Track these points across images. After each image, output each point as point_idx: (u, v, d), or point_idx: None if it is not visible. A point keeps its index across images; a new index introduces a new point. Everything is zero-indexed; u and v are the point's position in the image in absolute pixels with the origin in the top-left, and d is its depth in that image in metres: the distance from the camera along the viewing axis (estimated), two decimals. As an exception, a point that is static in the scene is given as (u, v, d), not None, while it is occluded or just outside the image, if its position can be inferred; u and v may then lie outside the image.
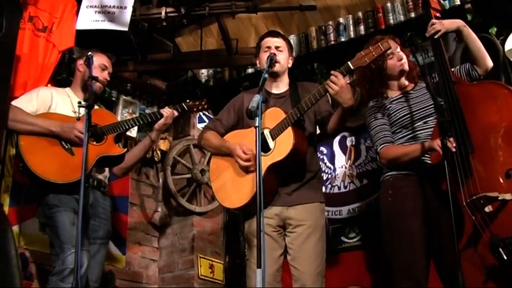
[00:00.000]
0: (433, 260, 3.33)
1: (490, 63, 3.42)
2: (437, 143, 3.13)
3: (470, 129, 3.13)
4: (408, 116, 3.49)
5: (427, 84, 3.41)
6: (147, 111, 5.56)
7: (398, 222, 3.38)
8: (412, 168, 3.40)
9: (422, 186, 3.37)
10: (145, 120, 4.02)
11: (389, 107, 3.57)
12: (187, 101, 4.06)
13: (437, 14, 3.54)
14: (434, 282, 3.39)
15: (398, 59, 3.57)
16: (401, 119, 3.51)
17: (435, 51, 3.42)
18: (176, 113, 4.01)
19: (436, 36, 3.42)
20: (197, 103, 4.05)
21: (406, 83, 3.62)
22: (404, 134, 3.49)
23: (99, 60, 3.99)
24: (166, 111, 3.96)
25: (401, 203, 3.39)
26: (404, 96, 3.57)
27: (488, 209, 2.96)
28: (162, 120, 3.95)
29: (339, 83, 3.23)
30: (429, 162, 3.33)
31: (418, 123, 3.46)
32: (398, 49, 3.59)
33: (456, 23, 3.45)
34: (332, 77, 3.25)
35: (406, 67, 3.58)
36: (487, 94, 3.21)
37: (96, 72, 3.87)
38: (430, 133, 3.36)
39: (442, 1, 3.61)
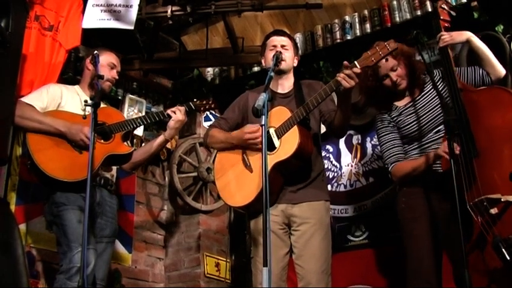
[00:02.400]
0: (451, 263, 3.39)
1: (501, 72, 3.48)
2: (442, 150, 3.18)
3: (475, 134, 3.18)
4: (419, 129, 3.54)
5: (434, 84, 3.43)
6: (153, 109, 5.58)
7: (408, 226, 3.48)
8: (425, 177, 3.45)
9: (434, 191, 3.42)
10: (153, 119, 4.01)
11: (399, 120, 3.62)
12: (195, 100, 4.06)
13: (446, 25, 3.57)
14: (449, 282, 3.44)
15: (391, 81, 3.60)
16: (412, 133, 3.57)
17: (443, 61, 3.45)
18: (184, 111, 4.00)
19: (442, 44, 3.45)
20: (204, 102, 4.05)
21: (413, 90, 3.65)
22: (416, 146, 3.56)
23: (108, 58, 4.00)
24: (179, 108, 3.94)
25: (412, 208, 3.48)
26: (412, 105, 3.61)
27: (494, 210, 3.00)
28: (175, 117, 3.91)
29: (355, 79, 3.22)
30: (440, 170, 3.36)
31: (429, 134, 3.52)
32: (394, 64, 3.58)
33: (465, 34, 3.50)
34: (349, 71, 3.21)
35: (403, 86, 3.61)
36: (491, 99, 3.25)
37: (104, 71, 3.87)
38: (441, 142, 3.40)
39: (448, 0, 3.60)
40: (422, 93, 3.60)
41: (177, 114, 3.92)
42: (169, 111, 3.95)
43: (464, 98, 3.28)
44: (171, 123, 3.94)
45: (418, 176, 3.46)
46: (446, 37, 3.45)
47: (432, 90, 3.54)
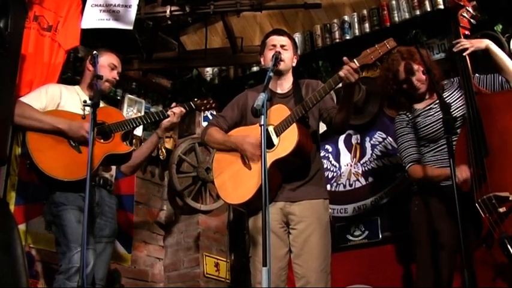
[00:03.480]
0: None
1: None
2: (461, 176, 3.21)
3: (488, 135, 3.22)
4: (435, 131, 3.58)
5: (433, 83, 3.45)
6: (152, 109, 5.58)
7: (417, 231, 3.55)
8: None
9: (446, 195, 3.42)
10: (153, 119, 4.01)
11: (417, 121, 3.66)
12: (195, 99, 4.08)
13: (466, 32, 3.58)
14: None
15: (411, 85, 3.66)
16: (429, 135, 3.60)
17: (459, 65, 3.47)
18: (184, 111, 4.02)
19: (464, 54, 3.47)
20: (205, 102, 4.07)
21: (432, 94, 3.68)
22: (432, 148, 3.60)
23: (109, 59, 4.00)
24: (175, 110, 3.97)
25: (424, 211, 3.52)
26: (430, 109, 3.65)
27: (502, 209, 3.02)
28: (170, 118, 3.96)
29: (354, 75, 3.24)
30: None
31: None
32: (414, 69, 3.65)
33: (484, 42, 3.52)
34: (348, 67, 3.24)
35: (422, 90, 3.68)
36: (504, 102, 3.31)
37: (105, 72, 3.89)
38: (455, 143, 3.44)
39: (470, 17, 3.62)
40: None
41: (175, 116, 3.94)
42: (169, 112, 3.96)
43: (479, 100, 3.32)
44: (165, 123, 3.98)
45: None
46: (466, 44, 3.47)
47: (451, 94, 3.61)
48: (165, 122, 3.98)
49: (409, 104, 3.74)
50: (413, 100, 3.73)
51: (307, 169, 3.56)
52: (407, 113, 3.72)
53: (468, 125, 3.27)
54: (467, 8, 3.61)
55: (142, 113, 5.41)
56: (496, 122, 3.26)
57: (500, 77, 3.53)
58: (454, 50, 3.50)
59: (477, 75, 3.64)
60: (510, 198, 3.03)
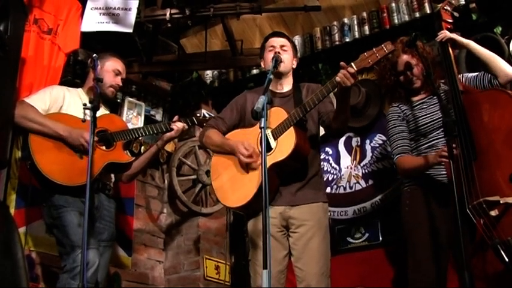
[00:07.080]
0: None
1: (509, 74, 3.42)
2: (439, 153, 3.28)
3: (476, 136, 3.19)
4: (427, 125, 3.59)
5: (433, 84, 3.45)
6: (152, 112, 5.59)
7: (410, 230, 3.54)
8: (428, 179, 3.50)
9: (437, 196, 3.44)
10: (155, 131, 4.05)
11: (410, 114, 3.67)
12: (198, 115, 4.10)
13: (449, 26, 3.57)
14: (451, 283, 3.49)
15: (407, 79, 3.68)
16: (420, 128, 3.60)
17: (443, 59, 3.46)
18: (186, 127, 4.07)
19: (445, 39, 3.45)
20: (207, 118, 4.14)
21: (429, 89, 3.68)
22: (424, 143, 3.60)
23: (114, 65, 4.01)
24: (178, 124, 4.00)
25: (415, 212, 3.52)
26: (424, 102, 3.66)
27: (494, 212, 3.00)
28: (171, 133, 4.01)
29: (351, 79, 3.23)
30: (445, 180, 3.41)
31: (437, 132, 3.55)
32: (412, 63, 3.66)
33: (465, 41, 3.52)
34: (345, 71, 3.22)
35: (416, 85, 3.69)
36: (491, 101, 3.27)
37: (109, 77, 3.93)
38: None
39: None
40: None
41: (176, 131, 4.00)
42: (172, 126, 4.00)
43: (465, 100, 3.29)
44: (167, 136, 4.04)
45: (420, 176, 3.52)
46: (448, 32, 3.46)
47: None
48: (167, 136, 4.04)
49: (406, 95, 3.74)
50: (410, 92, 3.73)
51: (304, 172, 3.55)
52: (401, 105, 3.72)
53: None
54: (449, 0, 3.61)
55: (143, 116, 5.43)
56: (483, 122, 3.23)
57: (489, 75, 3.49)
58: (437, 40, 3.50)
59: (464, 74, 3.64)
60: (501, 202, 3.00)
